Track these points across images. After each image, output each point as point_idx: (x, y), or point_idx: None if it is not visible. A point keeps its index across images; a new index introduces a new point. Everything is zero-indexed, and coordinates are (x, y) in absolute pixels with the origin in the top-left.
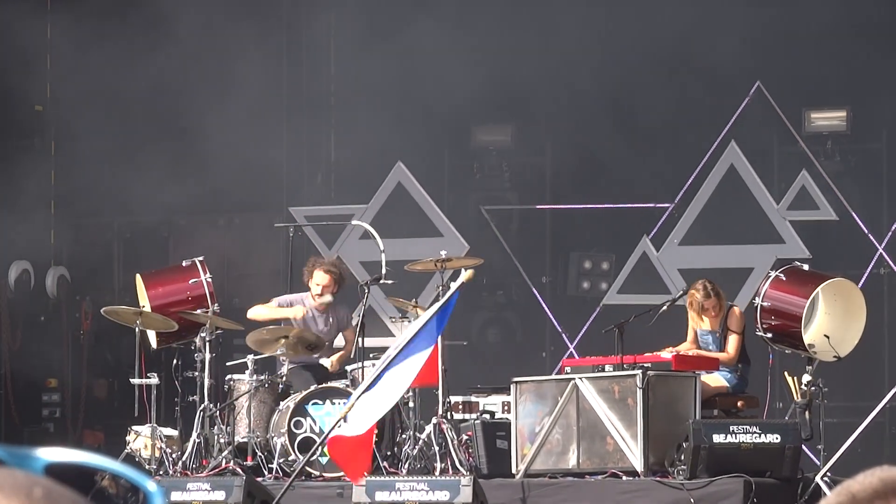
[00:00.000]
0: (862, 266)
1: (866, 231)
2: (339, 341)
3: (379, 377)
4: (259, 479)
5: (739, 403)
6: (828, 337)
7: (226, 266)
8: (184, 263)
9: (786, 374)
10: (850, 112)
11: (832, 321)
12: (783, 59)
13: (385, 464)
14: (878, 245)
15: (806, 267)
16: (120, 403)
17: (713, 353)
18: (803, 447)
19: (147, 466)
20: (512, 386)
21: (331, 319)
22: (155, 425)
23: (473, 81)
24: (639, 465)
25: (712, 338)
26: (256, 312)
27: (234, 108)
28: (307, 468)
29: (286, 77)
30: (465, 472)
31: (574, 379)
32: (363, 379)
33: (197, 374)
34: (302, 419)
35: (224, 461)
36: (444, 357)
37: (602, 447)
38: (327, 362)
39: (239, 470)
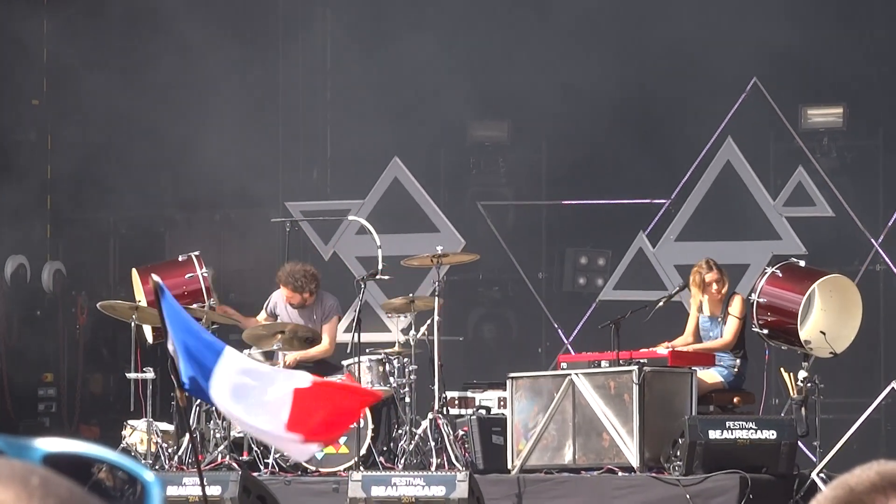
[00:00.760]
0: (858, 262)
1: (862, 227)
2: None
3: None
4: (255, 473)
5: (735, 399)
6: (824, 333)
7: (222, 261)
8: (180, 258)
9: (782, 370)
10: (847, 109)
11: (828, 317)
12: (780, 55)
13: (381, 459)
14: (874, 241)
15: (802, 263)
16: (116, 398)
17: (711, 342)
18: (799, 443)
19: (143, 461)
20: (508, 381)
21: (314, 316)
22: (151, 420)
23: (470, 77)
24: (634, 461)
25: (712, 323)
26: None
27: (231, 102)
28: (304, 463)
29: (282, 72)
30: (460, 468)
31: (570, 375)
32: (360, 374)
33: None
34: None
35: (220, 456)
36: (441, 352)
37: (598, 443)
38: (291, 356)
39: (235, 465)
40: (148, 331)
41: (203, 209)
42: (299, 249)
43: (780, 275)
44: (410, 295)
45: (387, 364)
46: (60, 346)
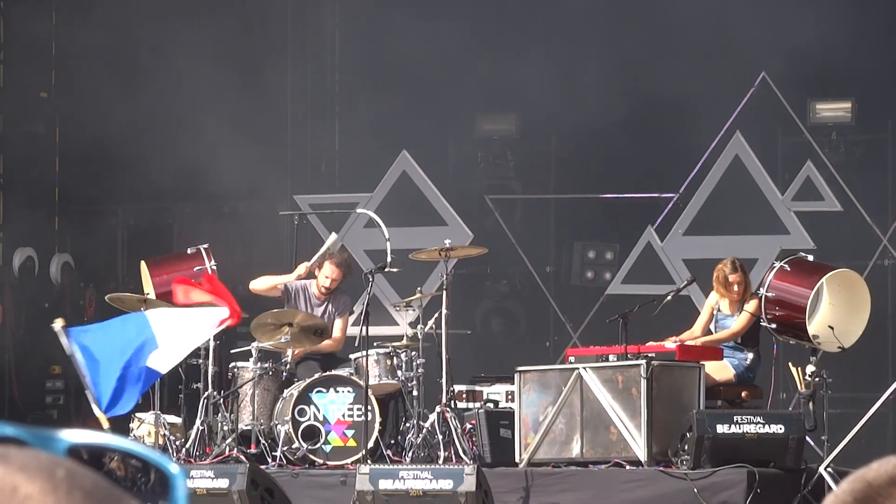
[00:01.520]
0: (866, 257)
1: (871, 222)
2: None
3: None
4: (262, 466)
5: (743, 394)
6: (832, 328)
7: (230, 254)
8: (188, 251)
9: (790, 364)
10: (855, 103)
11: (836, 312)
12: (788, 49)
13: (389, 452)
14: (882, 236)
15: (810, 258)
16: None
17: (721, 333)
18: (807, 438)
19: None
20: (516, 375)
21: (330, 307)
22: (158, 412)
23: (478, 70)
24: (642, 455)
25: (731, 322)
26: (257, 283)
27: (240, 95)
28: (311, 456)
29: (290, 65)
30: (468, 461)
31: (578, 368)
32: (367, 367)
33: (201, 361)
34: (306, 407)
35: (228, 449)
36: (448, 346)
37: (606, 437)
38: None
39: (242, 458)
40: None
41: (211, 202)
42: (307, 242)
43: (789, 269)
44: (419, 289)
45: (395, 357)
46: None
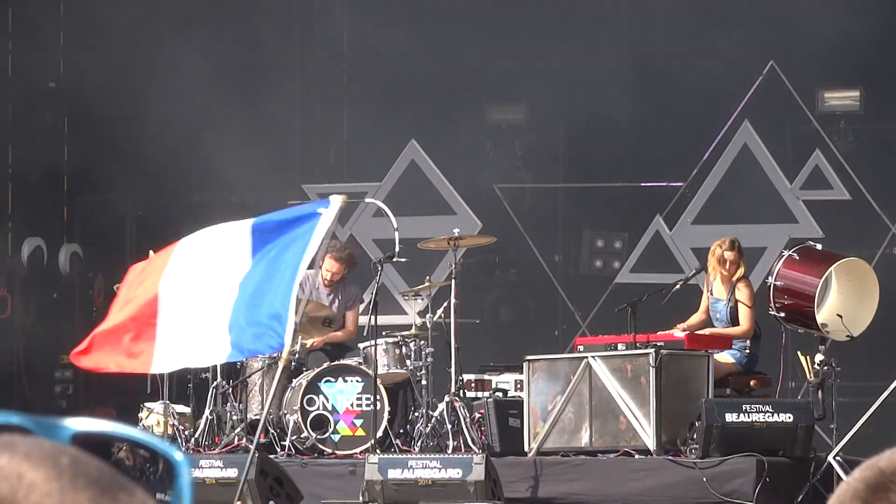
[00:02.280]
0: (875, 246)
1: (879, 211)
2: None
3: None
4: (271, 456)
5: (752, 382)
6: (840, 316)
7: None
8: None
9: (799, 353)
10: (864, 92)
11: (845, 301)
12: (797, 38)
13: (397, 441)
14: (890, 225)
15: (819, 246)
16: (132, 380)
17: (728, 328)
18: (816, 427)
19: None
20: (524, 364)
21: (339, 297)
22: (167, 402)
23: (487, 59)
24: (651, 444)
25: (721, 306)
26: None
27: (248, 85)
28: (320, 446)
29: (299, 54)
30: (477, 451)
31: (587, 357)
32: (376, 357)
33: None
34: (314, 396)
35: (236, 438)
36: (457, 335)
37: (614, 426)
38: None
39: (251, 447)
40: None
41: (220, 192)
42: None
43: (797, 258)
44: (428, 278)
45: (403, 347)
46: (77, 328)
